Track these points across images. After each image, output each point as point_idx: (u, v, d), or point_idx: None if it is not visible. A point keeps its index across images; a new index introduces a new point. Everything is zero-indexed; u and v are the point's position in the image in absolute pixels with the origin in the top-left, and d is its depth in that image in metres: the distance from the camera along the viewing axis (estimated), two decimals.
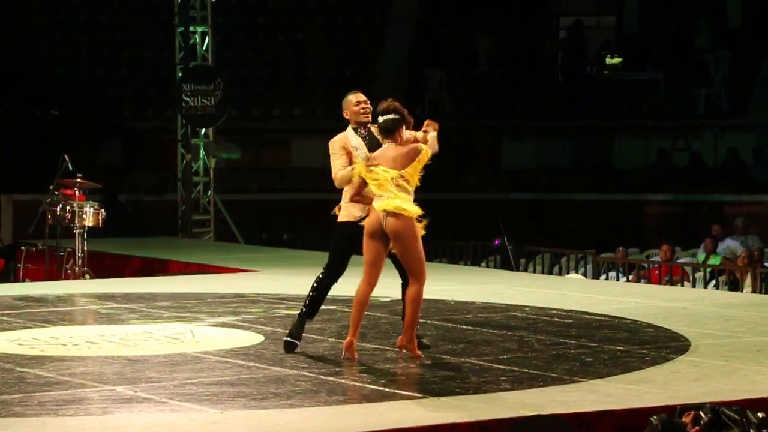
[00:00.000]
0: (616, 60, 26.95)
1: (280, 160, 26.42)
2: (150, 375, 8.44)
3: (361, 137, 9.20)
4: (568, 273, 17.64)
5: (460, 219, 22.68)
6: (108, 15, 27.54)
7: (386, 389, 7.95)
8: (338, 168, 9.03)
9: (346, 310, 11.32)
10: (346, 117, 9.29)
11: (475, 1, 28.16)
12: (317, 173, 25.99)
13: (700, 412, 6.77)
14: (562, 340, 9.75)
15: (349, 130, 9.24)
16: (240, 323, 10.73)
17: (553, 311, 11.37)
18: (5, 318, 11.06)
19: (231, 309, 11.62)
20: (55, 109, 24.61)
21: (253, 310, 11.51)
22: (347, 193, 9.08)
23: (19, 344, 9.63)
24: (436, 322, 10.64)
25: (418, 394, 7.79)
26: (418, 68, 27.36)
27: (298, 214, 24.18)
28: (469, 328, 10.38)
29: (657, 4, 28.01)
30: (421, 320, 10.70)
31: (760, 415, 6.63)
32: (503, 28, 27.85)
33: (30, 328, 10.49)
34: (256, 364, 8.80)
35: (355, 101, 9.26)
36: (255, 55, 27.51)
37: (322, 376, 8.36)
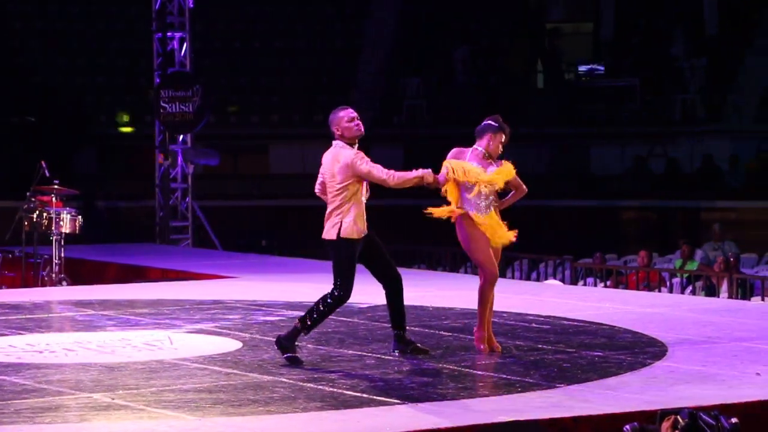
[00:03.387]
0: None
1: (258, 166, 26.42)
2: (128, 382, 8.41)
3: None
4: (546, 279, 17.68)
5: (439, 226, 22.65)
6: (85, 22, 27.49)
7: (364, 395, 7.95)
8: (385, 171, 9.06)
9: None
10: (338, 133, 9.11)
11: (452, 10, 28.22)
12: (295, 179, 26.04)
13: (678, 417, 6.79)
14: (540, 346, 9.77)
15: (344, 145, 9.10)
16: (218, 330, 10.72)
17: (531, 317, 11.39)
18: None
19: (209, 315, 11.60)
20: (32, 116, 24.54)
21: (231, 317, 11.49)
22: (340, 210, 8.99)
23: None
24: (415, 329, 10.64)
25: (396, 401, 7.79)
26: (396, 76, 27.40)
27: (276, 221, 24.17)
28: (448, 334, 10.39)
29: (634, 12, 28.13)
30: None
31: (733, 420, 6.66)
32: (481, 35, 27.90)
33: (6, 335, 10.45)
34: (234, 371, 8.79)
35: (347, 118, 9.12)
36: (233, 62, 27.50)
37: (300, 383, 8.35)
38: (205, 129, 21.47)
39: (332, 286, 9.14)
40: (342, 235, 9.04)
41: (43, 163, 15.35)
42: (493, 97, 27.23)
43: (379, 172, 9.07)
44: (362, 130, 9.18)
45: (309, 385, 8.30)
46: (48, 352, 9.62)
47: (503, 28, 28.36)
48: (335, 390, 8.14)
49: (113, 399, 7.86)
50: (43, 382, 8.41)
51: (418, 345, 9.38)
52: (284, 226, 23.96)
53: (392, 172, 9.16)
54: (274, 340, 9.20)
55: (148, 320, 11.35)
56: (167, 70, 21.11)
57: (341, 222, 9.05)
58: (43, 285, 15.16)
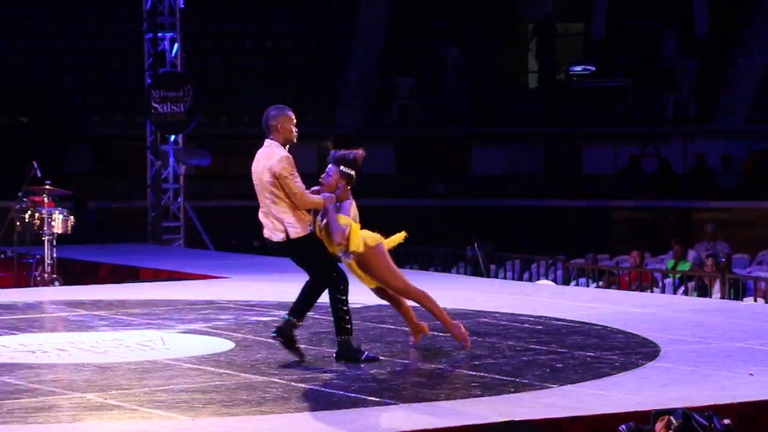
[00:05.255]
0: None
1: (249, 167, 26.35)
2: (120, 382, 8.41)
3: None
4: (538, 279, 17.68)
5: (430, 225, 22.68)
6: (76, 22, 27.46)
7: (357, 396, 7.94)
8: (303, 190, 8.85)
9: (317, 316, 11.32)
10: (279, 130, 8.96)
11: (443, 9, 28.23)
12: None
13: (671, 418, 6.79)
14: (533, 346, 9.78)
15: (279, 145, 8.97)
16: (211, 330, 10.71)
17: (524, 317, 11.40)
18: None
19: (202, 316, 11.59)
20: (23, 116, 24.50)
21: (223, 317, 11.48)
22: (289, 210, 8.86)
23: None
24: (407, 329, 10.63)
25: (389, 401, 7.79)
26: (387, 75, 27.40)
27: None
28: (440, 334, 10.39)
29: (625, 12, 28.15)
30: (391, 327, 10.76)
31: (726, 421, 6.66)
32: (472, 35, 27.91)
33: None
34: (227, 371, 8.78)
35: (293, 120, 9.04)
36: (224, 62, 27.48)
37: (293, 383, 8.35)
38: (197, 129, 21.45)
39: (328, 284, 8.95)
40: (303, 234, 8.91)
41: (34, 163, 15.32)
42: (485, 97, 27.24)
43: (294, 185, 8.86)
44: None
45: (302, 385, 8.30)
46: (41, 352, 9.61)
47: (494, 28, 28.36)
48: (328, 390, 8.14)
49: (106, 399, 7.85)
50: (36, 382, 8.40)
51: (300, 348, 9.16)
52: None
53: (305, 192, 8.89)
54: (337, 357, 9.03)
55: (140, 320, 11.35)
56: (158, 71, 21.09)
57: (296, 218, 8.90)
58: (36, 285, 15.13)
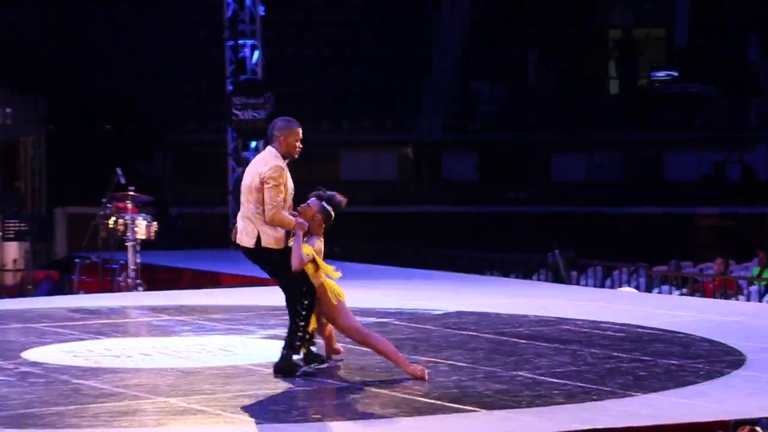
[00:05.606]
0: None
1: (328, 172, 26.50)
2: (203, 387, 8.46)
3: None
4: (620, 286, 17.54)
5: (511, 232, 22.61)
6: (159, 30, 27.76)
7: (438, 402, 7.92)
8: (280, 205, 8.60)
9: (397, 322, 11.33)
10: (281, 142, 8.75)
11: (524, 15, 28.14)
12: (366, 186, 26.09)
13: (757, 428, 6.70)
14: (615, 354, 9.69)
15: (282, 160, 8.74)
16: None
17: (606, 325, 11.30)
18: (60, 330, 11.13)
19: (283, 321, 11.57)
20: (108, 123, 24.81)
21: None
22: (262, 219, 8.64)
23: (74, 356, 9.70)
24: (488, 335, 10.61)
25: (470, 408, 7.76)
26: (468, 82, 27.36)
27: (348, 227, 24.19)
28: (522, 341, 10.34)
29: (708, 18, 27.87)
30: (473, 333, 10.73)
31: None
32: (553, 41, 27.79)
33: (84, 339, 10.55)
34: (308, 377, 8.79)
35: (299, 135, 8.84)
36: (304, 69, 27.62)
37: (374, 389, 8.35)
38: None
39: (296, 293, 8.71)
40: (278, 247, 8.66)
41: (119, 170, 15.50)
42: (566, 103, 27.09)
43: (273, 195, 8.60)
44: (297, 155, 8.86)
45: (382, 391, 8.29)
46: (125, 356, 9.70)
47: (576, 34, 28.21)
48: (409, 396, 8.12)
49: (189, 404, 7.91)
50: (121, 386, 8.48)
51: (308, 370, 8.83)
52: (357, 233, 23.99)
53: (280, 207, 8.61)
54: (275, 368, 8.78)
55: (222, 326, 11.42)
56: (239, 78, 21.25)
57: (273, 229, 8.66)
58: (120, 290, 15.30)
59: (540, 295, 13.90)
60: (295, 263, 8.63)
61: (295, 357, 8.77)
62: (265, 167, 8.72)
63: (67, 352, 9.89)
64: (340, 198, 9.02)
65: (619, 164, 26.02)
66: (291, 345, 8.75)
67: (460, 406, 7.81)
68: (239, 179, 21.42)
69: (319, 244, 8.92)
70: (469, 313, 12.12)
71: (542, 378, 8.77)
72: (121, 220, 15.33)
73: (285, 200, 8.72)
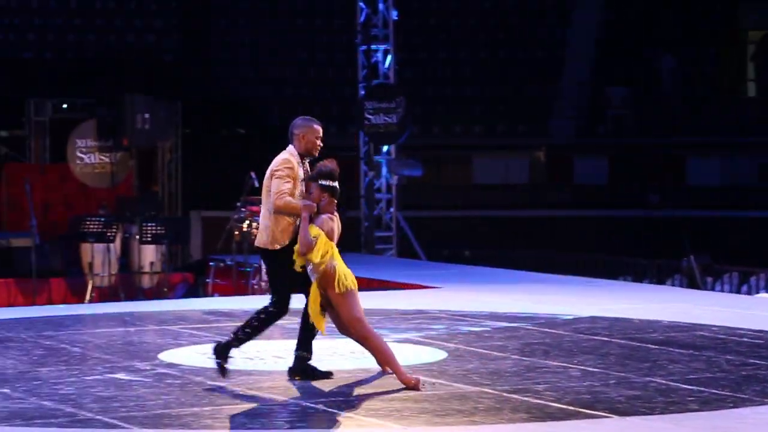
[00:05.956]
0: None
1: (461, 177, 26.48)
2: (335, 390, 8.53)
3: (304, 171, 8.80)
4: (757, 292, 17.22)
5: (644, 237, 22.36)
6: (292, 35, 28.06)
7: (570, 408, 7.87)
8: (286, 192, 8.60)
9: (530, 327, 11.28)
10: (300, 140, 8.77)
11: (657, 18, 27.79)
12: (499, 190, 26.01)
13: None
14: (752, 361, 9.52)
15: (296, 157, 8.75)
16: (423, 339, 10.77)
17: (742, 331, 11.11)
18: (196, 332, 11.32)
19: (414, 325, 11.67)
20: (242, 128, 25.14)
21: (435, 327, 11.54)
22: (271, 217, 8.64)
23: (209, 358, 9.83)
24: (621, 341, 10.51)
25: (603, 413, 7.70)
26: (600, 86, 27.11)
27: (479, 231, 24.16)
28: (655, 347, 10.22)
29: None
30: (604, 338, 10.63)
31: None
32: (688, 44, 27.41)
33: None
34: (439, 381, 8.81)
35: (319, 132, 8.83)
36: (436, 73, 27.65)
37: (505, 394, 8.33)
38: (409, 140, 21.64)
39: (271, 305, 8.69)
40: (272, 248, 8.67)
41: (252, 173, 15.69)
42: (700, 106, 26.69)
43: (280, 183, 8.59)
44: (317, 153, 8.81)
45: (514, 396, 8.27)
46: (258, 359, 9.81)
47: (711, 36, 27.78)
48: (540, 402, 8.08)
49: (321, 406, 7.98)
50: (254, 388, 8.60)
51: (324, 372, 8.86)
52: (488, 237, 23.94)
53: (287, 195, 8.59)
54: (214, 345, 8.81)
55: None
56: (371, 82, 21.37)
57: (282, 228, 8.67)
58: (253, 293, 15.49)
59: (674, 300, 13.72)
60: (302, 248, 8.52)
61: (227, 353, 8.65)
62: (274, 164, 8.76)
63: (202, 354, 10.04)
64: (329, 166, 8.74)
65: (756, 168, 25.54)
66: (236, 338, 8.68)
67: (593, 412, 7.74)
68: (371, 183, 21.60)
69: (330, 224, 8.71)
70: (601, 318, 12.01)
71: (676, 384, 8.65)
72: (254, 224, 15.53)
73: (293, 195, 8.68)
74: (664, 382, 8.73)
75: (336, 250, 8.74)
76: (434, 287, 15.24)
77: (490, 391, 8.42)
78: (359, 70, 21.65)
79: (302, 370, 8.84)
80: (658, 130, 26.27)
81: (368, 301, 13.79)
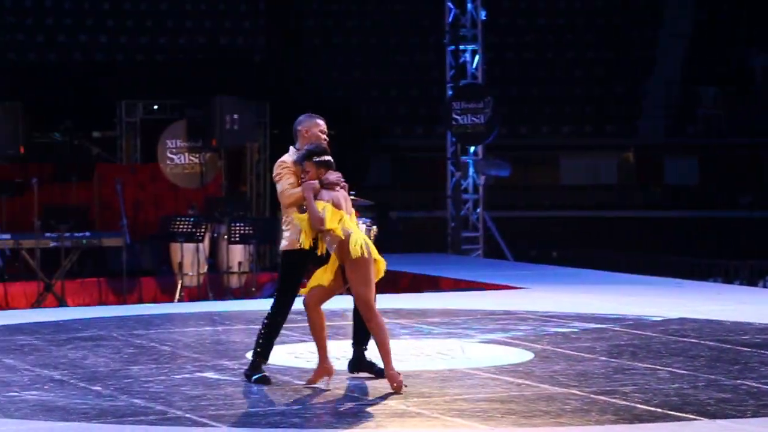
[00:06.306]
0: None
1: (548, 177, 26.35)
2: (421, 390, 8.53)
3: None
4: None
5: (736, 238, 22.08)
6: (380, 36, 28.13)
7: (658, 410, 7.79)
8: (288, 188, 8.65)
9: (618, 329, 11.20)
10: (304, 136, 8.78)
11: (750, 17, 27.43)
12: (586, 191, 25.85)
13: None
14: None
15: (294, 156, 8.74)
16: (509, 340, 10.74)
17: None
18: (282, 332, 11.34)
19: (500, 326, 11.64)
20: (331, 129, 25.22)
21: (522, 328, 11.50)
22: (286, 220, 8.69)
23: (295, 357, 9.90)
24: (710, 343, 10.38)
25: (693, 416, 7.61)
26: (691, 85, 26.82)
27: (567, 232, 24.03)
28: (746, 349, 10.08)
29: None
30: (693, 340, 10.51)
31: None
32: None
33: (306, 341, 10.75)
34: (526, 382, 8.78)
35: (322, 126, 8.84)
36: (523, 73, 27.55)
37: (592, 395, 8.27)
38: (496, 140, 21.59)
39: (272, 309, 8.79)
40: (284, 248, 8.72)
41: (339, 174, 15.73)
42: None
43: (281, 183, 8.64)
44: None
45: (601, 398, 8.20)
46: (344, 359, 9.80)
47: None
48: (628, 404, 8.02)
49: (408, 407, 7.99)
50: (341, 388, 8.62)
51: (374, 364, 8.82)
52: (575, 238, 23.80)
53: (290, 191, 8.64)
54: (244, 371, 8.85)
55: (440, 330, 11.49)
56: (459, 83, 21.35)
57: (291, 231, 8.73)
58: (341, 293, 15.50)
59: (766, 302, 13.52)
60: (314, 222, 8.55)
61: (258, 365, 8.71)
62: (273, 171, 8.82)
63: (289, 353, 10.11)
64: (314, 142, 8.73)
65: None
66: (257, 353, 8.77)
67: (681, 414, 7.66)
68: (458, 183, 21.59)
69: (333, 193, 8.72)
70: (690, 320, 11.88)
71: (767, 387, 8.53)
72: None
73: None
74: (755, 384, 8.61)
75: (348, 219, 8.72)
76: (521, 288, 15.19)
77: (578, 392, 8.37)
78: (447, 71, 21.65)
79: (363, 365, 8.88)
80: (749, 130, 25.93)
81: (455, 301, 13.83)
